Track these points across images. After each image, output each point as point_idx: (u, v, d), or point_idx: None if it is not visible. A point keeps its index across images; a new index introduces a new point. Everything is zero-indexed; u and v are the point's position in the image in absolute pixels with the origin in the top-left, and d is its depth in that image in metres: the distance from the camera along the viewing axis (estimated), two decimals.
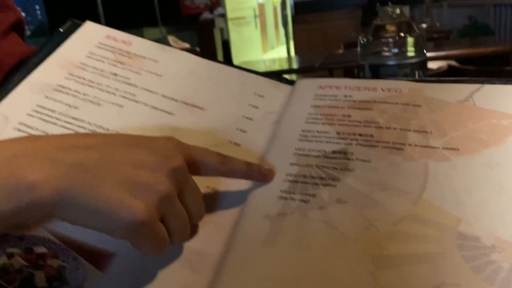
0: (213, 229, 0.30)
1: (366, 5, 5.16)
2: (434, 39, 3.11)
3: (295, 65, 3.29)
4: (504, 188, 0.29)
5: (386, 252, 0.27)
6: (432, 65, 2.07)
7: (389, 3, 0.62)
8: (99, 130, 0.36)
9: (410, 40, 0.55)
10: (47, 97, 0.37)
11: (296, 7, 6.29)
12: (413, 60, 0.55)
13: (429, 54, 1.02)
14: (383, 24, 0.57)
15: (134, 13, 7.85)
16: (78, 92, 0.38)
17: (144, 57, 0.42)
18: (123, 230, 0.24)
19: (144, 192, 0.25)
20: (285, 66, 3.26)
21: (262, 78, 0.43)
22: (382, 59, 0.56)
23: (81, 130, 0.35)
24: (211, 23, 6.30)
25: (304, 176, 0.33)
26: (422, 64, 0.56)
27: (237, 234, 0.30)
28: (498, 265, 0.25)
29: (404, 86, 0.39)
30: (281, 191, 0.32)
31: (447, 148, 0.33)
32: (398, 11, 0.57)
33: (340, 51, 3.24)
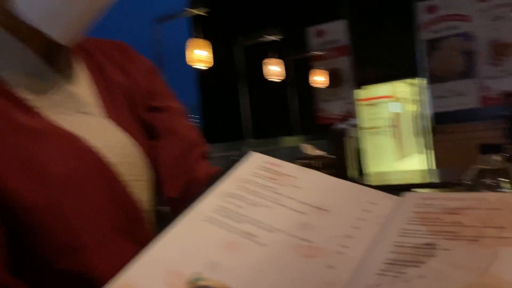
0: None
1: (510, 116, 4.90)
2: None
3: (428, 180, 3.22)
4: None
5: None
6: None
7: None
8: (255, 224, 0.51)
9: None
10: (224, 200, 0.54)
11: (437, 117, 6.26)
12: None
13: None
14: None
15: (273, 124, 8.67)
16: (244, 198, 0.54)
17: (288, 175, 0.58)
18: None
19: None
20: (419, 180, 3.19)
21: (375, 190, 0.54)
22: None
23: (243, 223, 0.51)
24: (342, 133, 6.58)
25: (398, 260, 0.42)
26: None
27: None
28: None
29: (492, 196, 0.46)
30: (379, 269, 0.42)
31: None
32: None
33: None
